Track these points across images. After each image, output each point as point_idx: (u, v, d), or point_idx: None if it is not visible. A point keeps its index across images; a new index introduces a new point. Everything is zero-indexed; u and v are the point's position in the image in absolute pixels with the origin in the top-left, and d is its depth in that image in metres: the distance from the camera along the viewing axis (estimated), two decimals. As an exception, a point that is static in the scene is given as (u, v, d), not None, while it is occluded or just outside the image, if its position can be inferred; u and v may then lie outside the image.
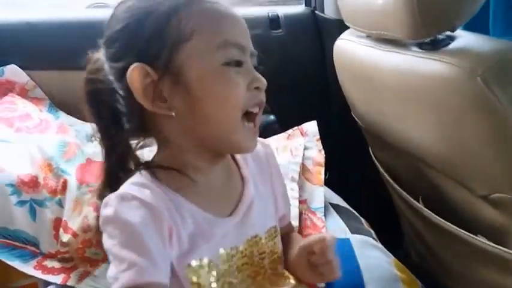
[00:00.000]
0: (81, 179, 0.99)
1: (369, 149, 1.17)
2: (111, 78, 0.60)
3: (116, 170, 0.63)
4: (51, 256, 0.92)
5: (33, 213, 0.94)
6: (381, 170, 1.11)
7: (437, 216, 0.91)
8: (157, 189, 0.59)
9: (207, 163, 0.64)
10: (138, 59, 0.57)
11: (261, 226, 0.68)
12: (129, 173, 0.62)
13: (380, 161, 1.13)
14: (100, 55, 0.62)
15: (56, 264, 0.91)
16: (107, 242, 0.55)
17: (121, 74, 0.58)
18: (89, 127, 1.13)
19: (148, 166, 0.62)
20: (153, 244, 0.54)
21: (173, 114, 0.58)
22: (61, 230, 0.93)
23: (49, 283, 0.88)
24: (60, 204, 0.96)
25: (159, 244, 0.55)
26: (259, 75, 0.61)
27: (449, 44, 0.77)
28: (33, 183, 0.96)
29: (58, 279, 0.89)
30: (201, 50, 0.58)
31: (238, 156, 0.70)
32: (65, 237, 0.91)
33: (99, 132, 0.63)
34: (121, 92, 0.60)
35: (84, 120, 1.17)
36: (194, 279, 0.59)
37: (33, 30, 1.27)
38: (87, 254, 0.91)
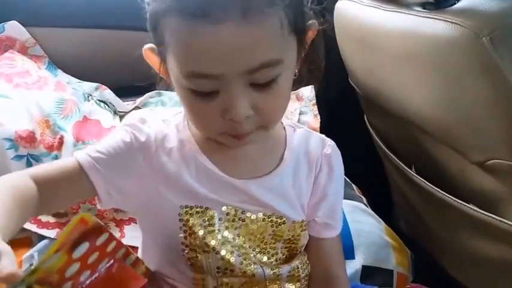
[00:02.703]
0: (78, 136, 1.00)
1: (364, 117, 1.16)
2: None
3: None
4: (46, 210, 0.93)
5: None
6: (375, 137, 1.10)
7: (429, 184, 0.91)
8: (174, 129, 0.63)
9: None
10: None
11: (288, 211, 0.63)
12: None
13: (375, 129, 1.12)
14: None
15: (51, 219, 0.93)
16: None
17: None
18: (87, 85, 1.16)
19: None
20: (122, 163, 0.58)
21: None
22: (57, 184, 0.94)
23: (43, 237, 0.89)
24: (57, 160, 0.97)
25: (130, 168, 0.59)
26: (236, 104, 0.50)
27: (454, 3, 0.74)
28: (30, 138, 0.96)
29: (52, 233, 0.90)
30: (173, 66, 0.52)
31: (290, 140, 0.65)
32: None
33: None
34: None
35: (81, 79, 1.17)
36: (189, 222, 0.58)
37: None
38: (81, 209, 0.93)
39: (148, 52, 0.59)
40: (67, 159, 0.59)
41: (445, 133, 0.82)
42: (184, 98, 0.55)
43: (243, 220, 0.61)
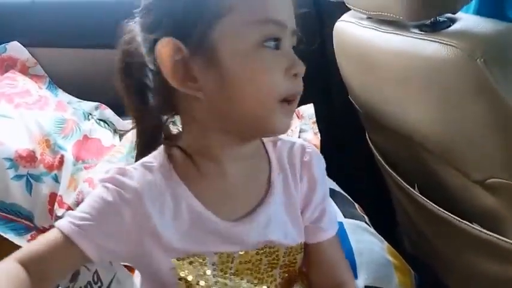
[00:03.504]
0: (78, 156, 1.00)
1: (365, 134, 1.16)
2: (144, 51, 0.56)
3: (148, 142, 0.60)
4: (45, 231, 0.93)
5: (29, 187, 0.95)
6: (377, 155, 1.10)
7: (431, 203, 0.90)
8: (159, 175, 0.57)
9: (231, 150, 0.59)
10: (172, 32, 0.52)
11: (282, 238, 0.61)
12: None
13: (376, 146, 1.12)
14: (134, 26, 0.57)
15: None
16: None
17: (151, 47, 0.54)
18: (87, 105, 1.16)
19: (166, 143, 0.59)
20: (110, 225, 0.55)
21: (201, 95, 0.54)
22: (56, 204, 0.94)
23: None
24: (56, 179, 0.97)
25: (119, 229, 0.55)
26: (299, 60, 0.56)
27: (450, 26, 0.76)
28: (31, 158, 0.97)
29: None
30: (238, 27, 0.52)
31: (272, 157, 0.64)
32: (60, 212, 0.92)
33: (127, 106, 0.59)
34: (151, 66, 0.56)
35: (82, 98, 1.18)
36: (182, 274, 0.57)
37: (37, 7, 1.28)
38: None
39: (167, 47, 0.53)
40: (51, 233, 0.55)
41: (445, 151, 0.82)
42: (254, 57, 0.53)
43: (237, 259, 0.59)
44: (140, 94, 0.58)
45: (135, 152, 0.62)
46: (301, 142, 0.67)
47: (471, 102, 0.70)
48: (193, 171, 0.57)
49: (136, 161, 0.61)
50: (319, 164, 0.66)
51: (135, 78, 0.57)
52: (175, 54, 0.52)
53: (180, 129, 0.61)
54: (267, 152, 0.64)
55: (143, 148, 0.61)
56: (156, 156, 0.60)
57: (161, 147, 0.60)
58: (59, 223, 0.55)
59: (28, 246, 0.57)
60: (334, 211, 0.72)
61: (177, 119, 0.61)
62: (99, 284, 0.83)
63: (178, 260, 0.57)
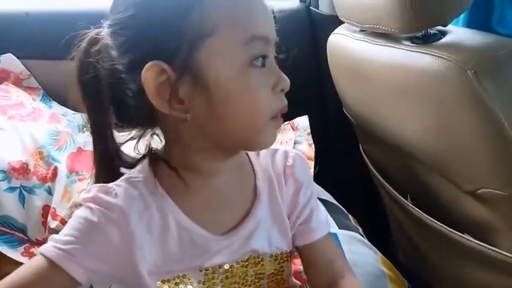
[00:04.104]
0: (71, 168, 1.00)
1: (359, 146, 1.17)
2: (119, 67, 0.52)
3: (108, 161, 0.58)
4: (38, 243, 0.92)
5: (22, 199, 0.94)
6: (371, 166, 1.11)
7: (424, 214, 0.91)
8: (144, 189, 0.56)
9: (216, 164, 0.58)
10: (151, 54, 0.50)
11: (266, 247, 0.61)
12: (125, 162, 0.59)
13: (370, 158, 1.13)
14: (103, 35, 0.54)
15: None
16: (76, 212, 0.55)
17: (131, 67, 0.51)
18: (80, 117, 1.15)
19: (150, 157, 0.58)
20: (97, 247, 0.53)
21: (187, 117, 0.52)
22: (49, 217, 0.93)
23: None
24: (50, 191, 0.97)
25: (106, 250, 0.53)
26: (284, 75, 0.55)
27: (440, 38, 0.77)
28: (24, 170, 0.96)
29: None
30: (224, 47, 0.51)
31: (256, 166, 0.63)
32: (53, 224, 0.91)
33: (88, 122, 0.58)
34: (131, 86, 0.52)
35: (76, 111, 1.18)
36: None
37: (31, 19, 1.28)
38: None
39: (150, 71, 0.50)
40: (35, 260, 0.53)
41: (437, 162, 0.83)
42: (241, 78, 0.51)
43: (222, 275, 0.59)
44: (102, 110, 0.56)
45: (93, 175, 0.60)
46: (284, 148, 0.67)
47: (463, 113, 0.71)
48: (179, 185, 0.56)
49: (95, 182, 0.58)
50: (303, 166, 0.66)
51: (101, 92, 0.54)
52: (160, 76, 0.50)
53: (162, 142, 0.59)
54: (250, 161, 0.64)
55: (99, 171, 0.59)
56: (140, 170, 0.58)
57: (145, 161, 0.58)
58: (42, 249, 0.53)
59: (12, 276, 0.53)
60: (325, 213, 0.71)
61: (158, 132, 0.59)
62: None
63: (163, 283, 0.56)
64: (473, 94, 0.68)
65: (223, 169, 0.59)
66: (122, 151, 0.59)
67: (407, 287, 0.91)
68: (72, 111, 1.16)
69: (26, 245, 0.91)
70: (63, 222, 0.91)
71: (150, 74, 0.50)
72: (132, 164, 0.60)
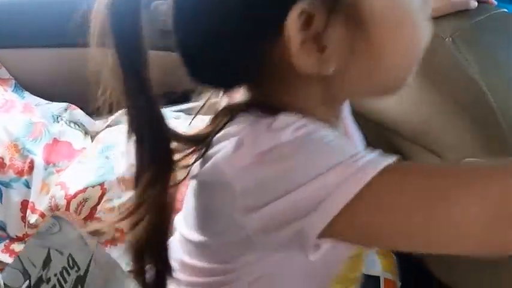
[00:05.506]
0: (48, 159, 0.97)
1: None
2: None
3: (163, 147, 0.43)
4: (18, 239, 0.90)
5: (0, 195, 0.92)
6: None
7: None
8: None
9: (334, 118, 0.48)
10: None
11: None
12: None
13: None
14: None
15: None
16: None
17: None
18: (56, 106, 1.12)
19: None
20: None
21: (330, 71, 0.40)
22: (28, 211, 0.91)
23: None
24: (27, 185, 0.94)
25: None
26: None
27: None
28: (0, 164, 0.93)
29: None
30: None
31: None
32: (33, 218, 0.89)
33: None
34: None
35: (49, 100, 1.14)
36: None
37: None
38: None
39: (295, 17, 0.37)
40: None
41: (418, 134, 0.82)
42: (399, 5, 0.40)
43: None
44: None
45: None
46: None
47: (443, 81, 0.71)
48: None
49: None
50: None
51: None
52: (307, 26, 0.38)
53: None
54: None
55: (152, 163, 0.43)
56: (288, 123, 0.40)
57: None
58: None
59: None
60: None
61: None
62: (75, 268, 0.78)
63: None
64: (452, 61, 0.68)
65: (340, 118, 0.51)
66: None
67: (395, 259, 0.92)
68: (46, 101, 1.12)
69: (6, 241, 0.89)
70: (43, 215, 0.89)
71: (295, 24, 0.37)
72: (196, 140, 0.44)
